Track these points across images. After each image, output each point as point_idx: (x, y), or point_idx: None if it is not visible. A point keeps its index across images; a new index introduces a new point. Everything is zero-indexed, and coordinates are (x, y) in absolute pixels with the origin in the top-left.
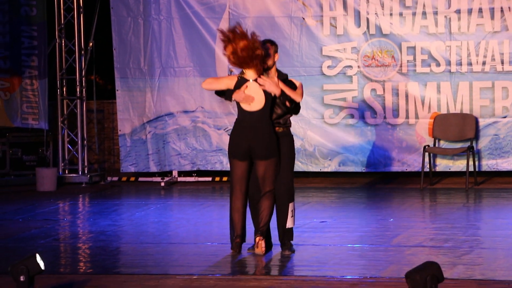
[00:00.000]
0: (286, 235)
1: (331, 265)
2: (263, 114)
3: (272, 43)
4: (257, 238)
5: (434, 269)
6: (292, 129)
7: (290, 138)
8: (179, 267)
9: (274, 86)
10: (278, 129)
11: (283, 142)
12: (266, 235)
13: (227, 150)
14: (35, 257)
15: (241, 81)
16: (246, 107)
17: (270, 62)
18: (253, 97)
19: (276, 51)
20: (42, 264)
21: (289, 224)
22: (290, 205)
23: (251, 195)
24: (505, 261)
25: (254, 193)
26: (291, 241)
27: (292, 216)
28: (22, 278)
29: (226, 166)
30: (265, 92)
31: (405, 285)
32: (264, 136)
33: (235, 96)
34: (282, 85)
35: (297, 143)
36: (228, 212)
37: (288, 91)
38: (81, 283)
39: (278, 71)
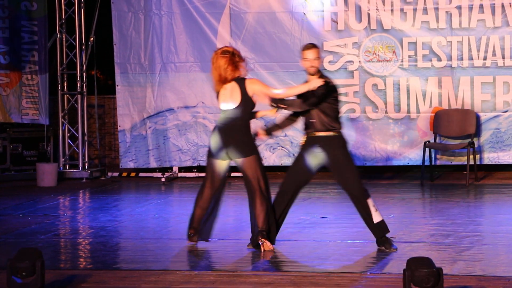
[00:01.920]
0: (381, 230)
1: (332, 261)
2: (237, 112)
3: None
4: (260, 240)
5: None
6: (293, 124)
7: (339, 140)
8: (180, 263)
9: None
10: (327, 133)
11: (333, 146)
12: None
13: None
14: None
15: None
16: (222, 106)
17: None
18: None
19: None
20: None
21: (376, 219)
22: (369, 201)
23: (282, 192)
24: (505, 257)
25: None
26: (390, 240)
27: (376, 211)
28: None
29: None
30: (242, 91)
31: None
32: (236, 134)
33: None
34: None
35: (299, 138)
36: (231, 208)
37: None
38: (81, 279)
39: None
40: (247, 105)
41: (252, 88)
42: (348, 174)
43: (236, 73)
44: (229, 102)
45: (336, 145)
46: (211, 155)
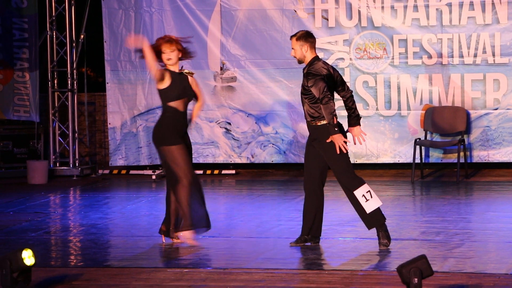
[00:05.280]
0: (373, 221)
1: (323, 258)
2: (189, 103)
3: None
4: (188, 233)
5: (420, 263)
6: (284, 121)
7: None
8: (170, 260)
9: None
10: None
11: (322, 136)
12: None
13: (218, 142)
14: (20, 252)
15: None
16: (179, 94)
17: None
18: None
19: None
20: (29, 261)
21: (368, 209)
22: (356, 192)
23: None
24: (495, 254)
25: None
26: (385, 231)
27: (367, 200)
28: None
29: (218, 159)
30: (191, 85)
31: (396, 279)
32: (187, 123)
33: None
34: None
35: (290, 135)
36: (217, 205)
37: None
38: (72, 277)
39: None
40: None
41: (194, 84)
42: (332, 166)
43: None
44: (187, 92)
45: (323, 136)
46: (171, 142)
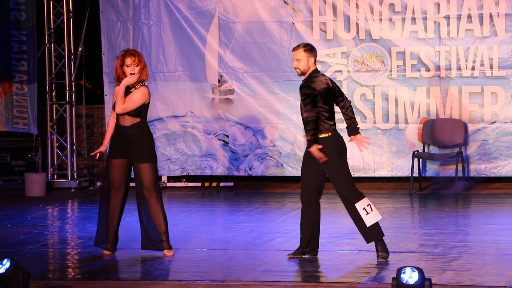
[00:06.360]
0: (372, 235)
1: (321, 271)
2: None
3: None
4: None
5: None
6: (282, 134)
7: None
8: (168, 273)
9: None
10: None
11: (322, 148)
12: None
13: (216, 155)
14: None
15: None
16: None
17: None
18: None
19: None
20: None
21: (368, 222)
22: (357, 205)
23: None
24: (494, 266)
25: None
26: (383, 244)
27: (368, 214)
28: None
29: (216, 171)
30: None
31: None
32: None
33: None
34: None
35: (287, 148)
36: (215, 217)
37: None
38: None
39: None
40: None
41: (134, 94)
42: (333, 178)
43: None
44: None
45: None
46: (109, 154)
